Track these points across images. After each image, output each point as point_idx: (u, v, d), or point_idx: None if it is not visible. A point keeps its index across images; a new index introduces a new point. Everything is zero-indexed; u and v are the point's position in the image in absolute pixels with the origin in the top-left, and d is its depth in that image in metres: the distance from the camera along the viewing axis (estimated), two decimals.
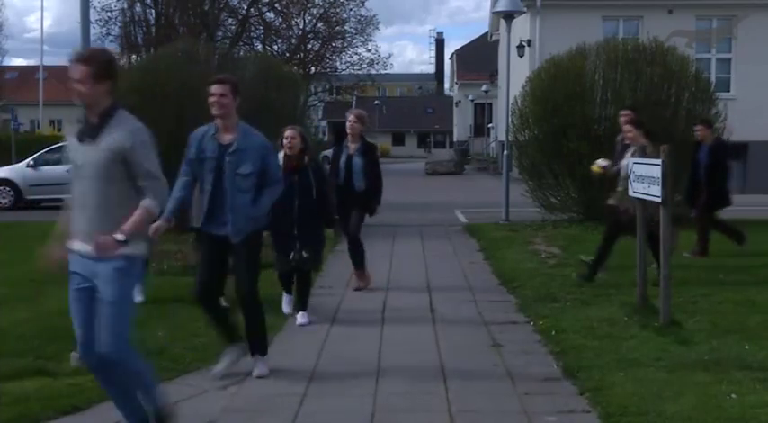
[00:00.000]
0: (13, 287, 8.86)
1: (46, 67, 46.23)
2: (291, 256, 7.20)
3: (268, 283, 7.34)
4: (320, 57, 41.88)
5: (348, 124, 8.51)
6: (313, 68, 41.23)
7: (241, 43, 35.29)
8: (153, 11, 32.54)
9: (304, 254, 7.21)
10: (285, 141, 7.11)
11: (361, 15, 41.82)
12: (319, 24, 41.19)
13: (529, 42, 24.13)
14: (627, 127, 8.67)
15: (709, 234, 10.56)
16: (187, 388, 5.42)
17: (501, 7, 16.41)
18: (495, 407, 5.05)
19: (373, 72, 44.37)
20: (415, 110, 76.43)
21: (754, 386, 5.12)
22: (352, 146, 8.62)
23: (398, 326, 7.24)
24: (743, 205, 16.44)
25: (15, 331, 6.80)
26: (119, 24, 32.65)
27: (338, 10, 41.06)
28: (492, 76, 42.58)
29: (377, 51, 44.35)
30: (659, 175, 6.70)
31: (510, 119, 15.19)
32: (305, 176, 7.19)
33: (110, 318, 4.02)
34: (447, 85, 77.82)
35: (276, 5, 37.49)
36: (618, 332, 6.62)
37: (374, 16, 43.08)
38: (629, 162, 7.87)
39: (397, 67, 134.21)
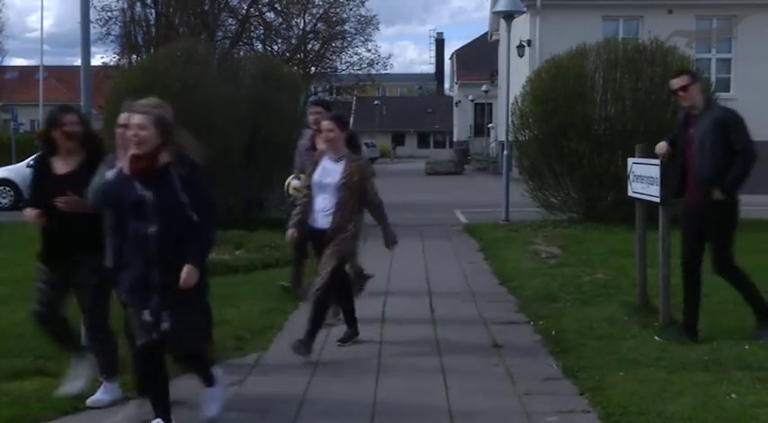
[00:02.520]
0: (13, 287, 8.85)
1: (46, 67, 46.16)
2: (148, 319, 4.37)
3: None
4: (320, 57, 41.90)
5: (132, 134, 4.44)
6: (313, 68, 41.26)
7: (241, 43, 35.34)
8: (153, 11, 32.62)
9: (164, 324, 4.35)
10: (130, 134, 4.42)
11: (361, 15, 41.92)
12: (319, 24, 41.23)
13: (529, 42, 24.14)
14: (327, 125, 6.28)
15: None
16: (187, 388, 5.41)
17: (501, 7, 16.42)
18: (495, 407, 5.05)
19: (373, 72, 44.41)
20: (415, 110, 76.48)
21: (754, 386, 5.12)
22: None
23: (398, 325, 7.23)
24: (743, 205, 16.45)
25: (15, 331, 6.80)
26: (119, 24, 32.73)
27: (338, 10, 41.12)
28: (492, 76, 42.58)
29: (377, 51, 44.44)
30: (658, 176, 6.69)
31: (510, 119, 15.18)
32: (166, 189, 4.39)
33: None
34: (447, 85, 77.87)
35: (276, 5, 37.53)
36: (618, 332, 6.62)
37: (374, 16, 43.11)
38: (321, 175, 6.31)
39: (397, 67, 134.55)
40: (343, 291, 6.63)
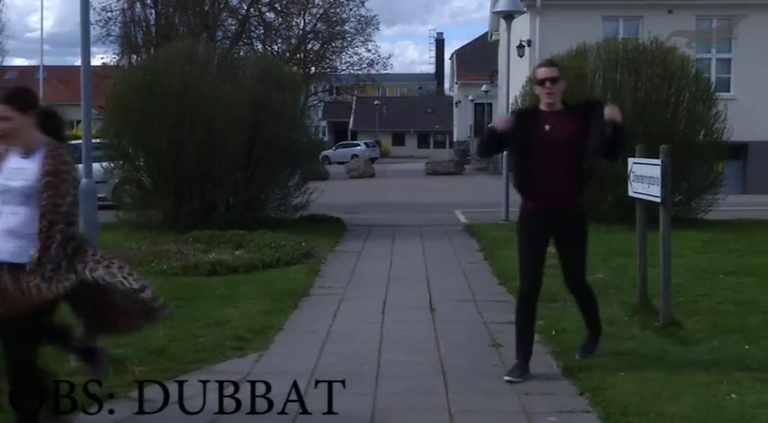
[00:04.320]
0: None
1: (46, 67, 46.21)
2: None
3: None
4: (320, 57, 41.98)
5: None
6: (313, 68, 41.32)
7: (241, 43, 35.38)
8: (153, 11, 32.65)
9: None
10: None
11: (361, 15, 42.01)
12: (319, 24, 41.30)
13: (529, 42, 24.13)
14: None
15: None
16: (187, 388, 5.41)
17: (501, 7, 16.41)
18: (495, 407, 5.04)
19: (373, 72, 44.50)
20: (415, 110, 76.50)
21: (754, 386, 5.12)
22: None
23: (398, 326, 7.23)
24: (743, 205, 16.46)
25: None
26: (119, 25, 32.79)
27: (338, 10, 41.19)
28: (492, 76, 42.60)
29: (377, 51, 44.54)
30: (659, 175, 6.69)
31: None
32: None
33: None
34: (447, 85, 77.90)
35: (276, 5, 37.56)
36: (618, 332, 6.61)
37: (374, 16, 43.21)
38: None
39: (398, 67, 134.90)
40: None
